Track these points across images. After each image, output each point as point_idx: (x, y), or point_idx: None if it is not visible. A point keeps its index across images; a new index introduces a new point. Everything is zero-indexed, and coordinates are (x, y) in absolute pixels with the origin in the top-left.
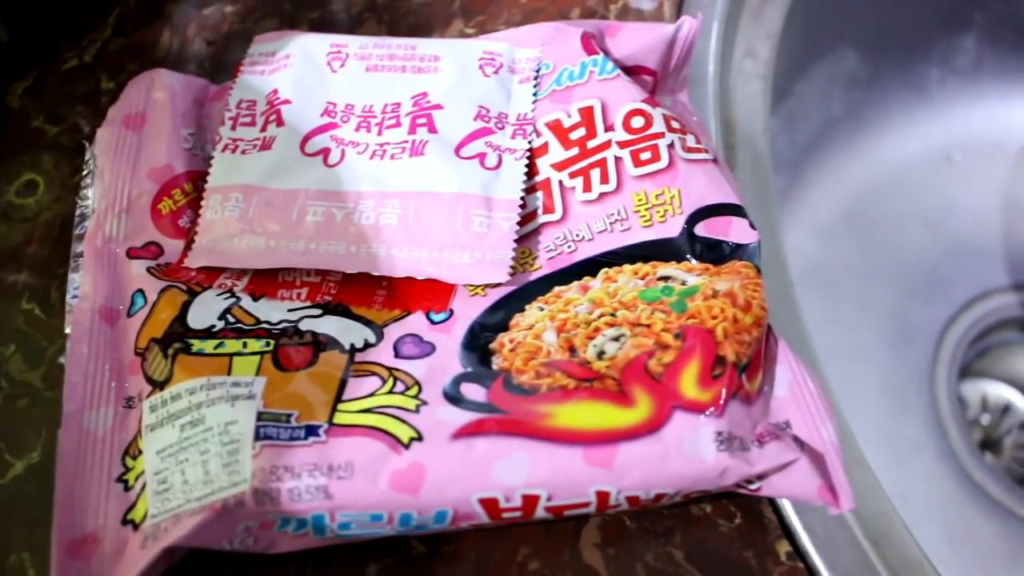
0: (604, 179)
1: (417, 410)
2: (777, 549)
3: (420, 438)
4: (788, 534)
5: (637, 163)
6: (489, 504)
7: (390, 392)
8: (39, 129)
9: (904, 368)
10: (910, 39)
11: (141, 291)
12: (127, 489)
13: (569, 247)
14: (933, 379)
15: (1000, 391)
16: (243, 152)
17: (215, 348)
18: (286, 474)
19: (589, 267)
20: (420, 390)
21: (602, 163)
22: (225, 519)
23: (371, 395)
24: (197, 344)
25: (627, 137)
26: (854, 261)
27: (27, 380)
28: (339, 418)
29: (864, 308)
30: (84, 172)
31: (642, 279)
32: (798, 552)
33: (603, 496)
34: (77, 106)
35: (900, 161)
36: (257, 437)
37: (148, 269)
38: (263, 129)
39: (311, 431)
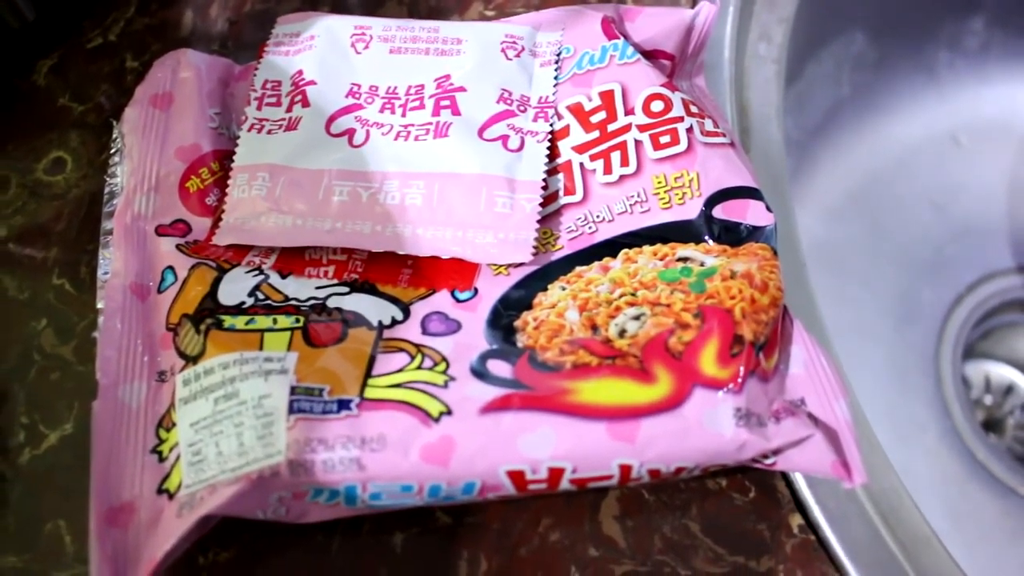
0: (624, 162)
1: (446, 385)
2: (790, 522)
3: (449, 412)
4: (800, 508)
5: (657, 146)
6: (516, 476)
7: (419, 368)
8: (65, 107)
9: (909, 348)
10: (919, 21)
11: (171, 268)
12: (161, 460)
13: (590, 228)
14: (938, 359)
15: (1003, 372)
16: (269, 132)
17: (246, 324)
18: (320, 446)
19: (609, 248)
20: (448, 366)
21: (622, 146)
22: (260, 489)
23: (400, 371)
24: (228, 320)
25: (647, 121)
26: (861, 241)
27: (59, 354)
28: (370, 392)
29: (870, 288)
30: (112, 150)
31: (661, 260)
32: (810, 525)
33: (626, 469)
34: (102, 85)
35: (907, 143)
36: (291, 411)
37: (177, 246)
38: (289, 109)
39: (343, 405)
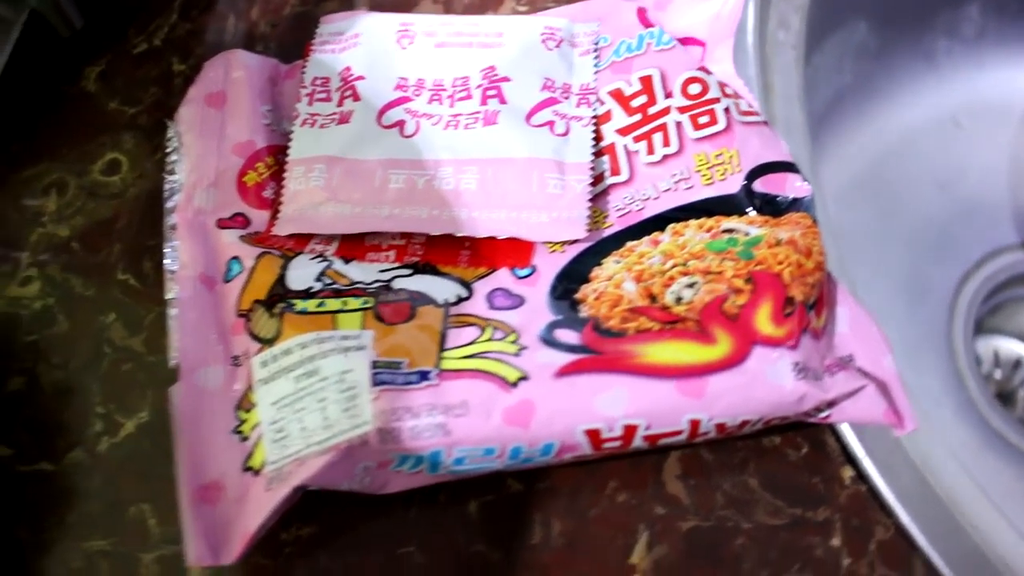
0: (666, 142)
1: (518, 354)
2: (842, 474)
3: (526, 378)
4: (850, 460)
5: (696, 127)
6: (593, 435)
7: (490, 339)
8: (116, 111)
9: (921, 325)
10: (917, 10)
11: (236, 258)
12: (243, 439)
13: (637, 206)
14: (950, 334)
15: (1011, 346)
16: (322, 126)
17: (317, 307)
18: (406, 414)
19: (657, 223)
20: (518, 337)
21: (663, 127)
22: (348, 459)
23: (473, 343)
24: (300, 304)
25: (686, 103)
26: (869, 225)
27: (129, 346)
28: (446, 364)
29: (881, 270)
30: (168, 149)
31: (708, 232)
32: (860, 476)
33: (695, 424)
34: (151, 88)
35: (910, 127)
36: (374, 383)
37: (240, 237)
38: (339, 104)
39: (423, 376)
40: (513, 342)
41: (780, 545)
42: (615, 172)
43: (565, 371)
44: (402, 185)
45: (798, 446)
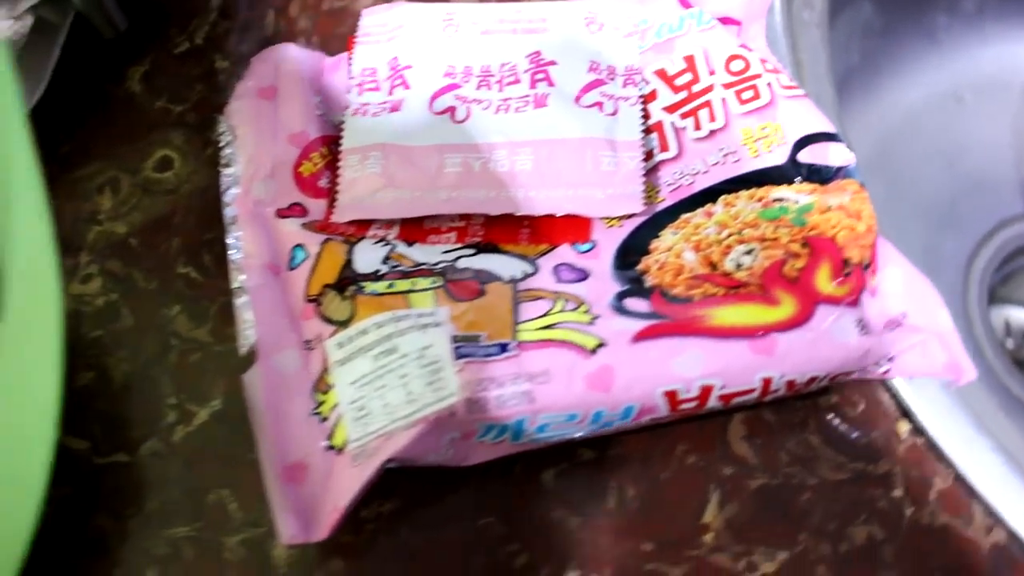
0: (712, 118)
1: (592, 323)
2: (898, 429)
3: (603, 345)
4: (906, 415)
5: (741, 102)
6: (671, 396)
7: (562, 311)
8: (163, 108)
9: None
10: None
11: (300, 246)
12: (323, 420)
13: (687, 180)
14: (966, 304)
15: (1022, 315)
16: (374, 115)
17: (387, 288)
18: (491, 384)
19: (708, 196)
20: (589, 307)
21: (709, 104)
22: (436, 431)
23: (546, 315)
24: (370, 286)
25: (730, 79)
26: (880, 202)
27: (195, 336)
28: (523, 336)
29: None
30: (221, 144)
31: (758, 202)
32: (917, 429)
33: (767, 382)
34: (196, 85)
35: (914, 105)
36: (456, 357)
37: (302, 225)
38: (390, 93)
39: (503, 348)
40: (585, 312)
41: (845, 498)
42: (664, 148)
43: (641, 336)
44: (459, 168)
45: (855, 403)
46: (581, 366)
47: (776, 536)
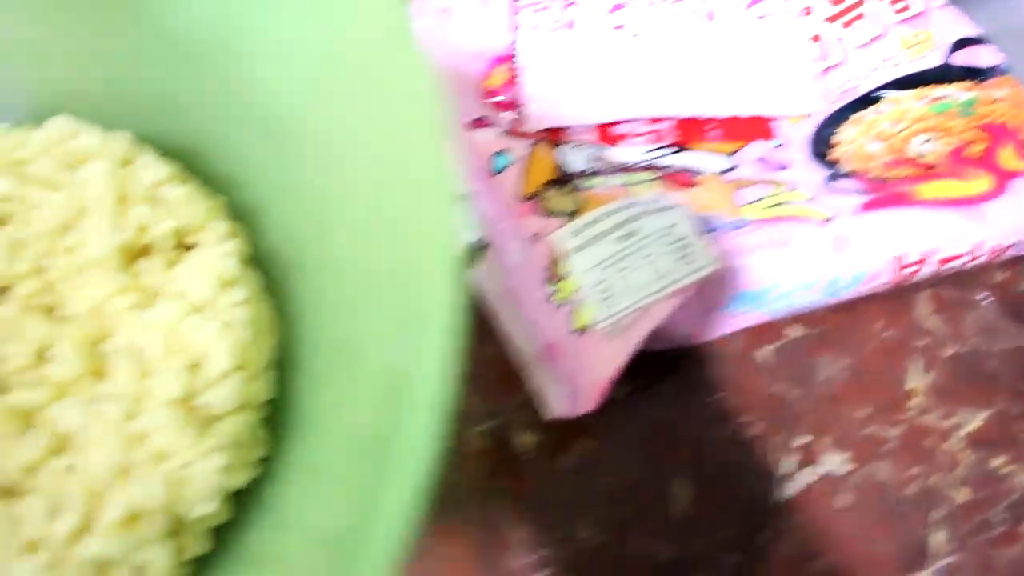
0: (870, 27)
1: (812, 200)
2: None
3: (831, 218)
4: None
5: (896, 11)
6: (896, 261)
7: (782, 192)
8: None
9: None
10: None
11: (501, 152)
12: (560, 306)
13: (853, 83)
14: None
15: None
16: (551, 30)
17: (604, 181)
18: (740, 254)
19: (874, 99)
20: (803, 190)
21: (865, 14)
22: (691, 303)
23: (768, 197)
24: (586, 182)
25: None
26: None
27: None
28: (751, 214)
29: None
30: None
31: (923, 100)
32: None
33: (978, 246)
34: None
35: None
36: (701, 232)
37: (501, 132)
38: (563, 11)
39: (738, 225)
40: (801, 194)
41: None
42: (828, 56)
43: (865, 208)
44: (637, 77)
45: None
46: (819, 234)
47: (975, 397)
